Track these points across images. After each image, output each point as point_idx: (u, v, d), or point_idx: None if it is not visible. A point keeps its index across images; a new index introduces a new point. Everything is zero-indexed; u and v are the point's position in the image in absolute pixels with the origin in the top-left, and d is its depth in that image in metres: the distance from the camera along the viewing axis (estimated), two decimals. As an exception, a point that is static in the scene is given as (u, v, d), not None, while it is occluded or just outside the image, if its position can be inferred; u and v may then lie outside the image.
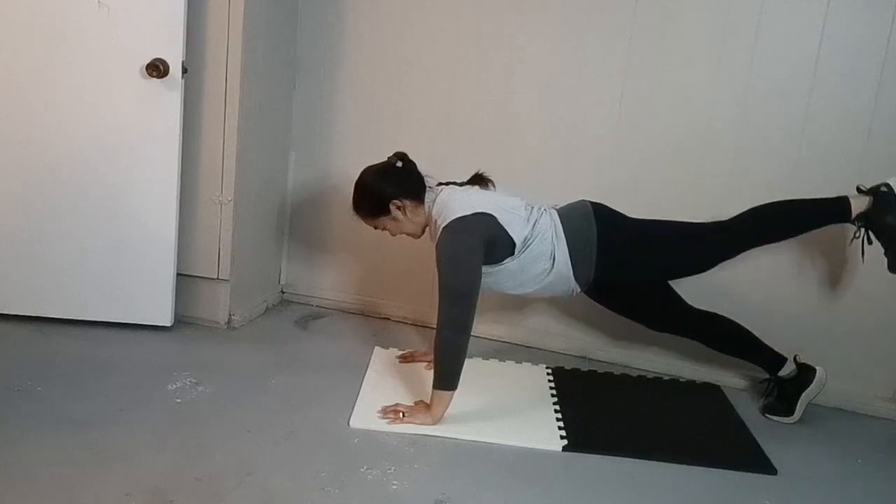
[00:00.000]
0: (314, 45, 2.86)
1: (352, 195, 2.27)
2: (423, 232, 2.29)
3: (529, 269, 2.18)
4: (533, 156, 2.68)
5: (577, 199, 2.31)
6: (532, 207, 2.23)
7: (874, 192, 2.13)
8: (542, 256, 2.17)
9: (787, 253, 2.49)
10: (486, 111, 2.71)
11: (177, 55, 2.38)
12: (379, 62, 2.80)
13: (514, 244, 2.13)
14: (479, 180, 2.29)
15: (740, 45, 2.43)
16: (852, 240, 2.23)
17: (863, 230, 2.18)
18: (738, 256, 2.51)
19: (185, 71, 2.41)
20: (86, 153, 2.45)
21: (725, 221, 2.28)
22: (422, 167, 2.28)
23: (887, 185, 2.12)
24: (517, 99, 2.67)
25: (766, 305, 2.50)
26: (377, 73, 2.81)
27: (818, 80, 2.38)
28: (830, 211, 2.18)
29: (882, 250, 2.16)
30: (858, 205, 2.15)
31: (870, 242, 2.18)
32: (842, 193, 2.23)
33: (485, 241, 2.10)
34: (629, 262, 2.23)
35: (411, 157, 2.27)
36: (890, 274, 2.14)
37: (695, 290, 2.41)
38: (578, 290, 2.24)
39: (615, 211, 2.27)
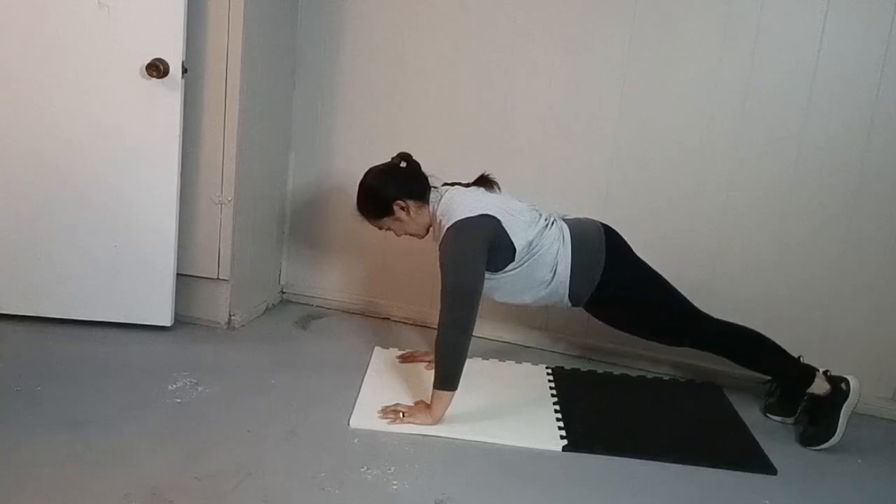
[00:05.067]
0: (314, 45, 2.86)
1: (356, 196, 2.27)
2: (427, 232, 2.29)
3: (531, 277, 2.18)
4: (533, 156, 2.67)
5: (580, 206, 2.32)
6: (541, 214, 2.22)
7: (834, 385, 2.19)
8: (545, 266, 2.17)
9: (786, 253, 2.49)
10: (486, 112, 2.70)
11: (177, 55, 2.38)
12: (379, 62, 2.80)
13: (514, 250, 2.13)
14: (484, 182, 2.28)
15: (740, 46, 2.42)
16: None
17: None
18: (736, 254, 2.53)
19: (185, 71, 2.41)
20: (86, 153, 2.45)
21: (707, 320, 2.27)
22: (423, 167, 2.28)
23: (848, 382, 2.18)
24: (517, 99, 2.66)
25: (766, 306, 2.50)
26: (377, 74, 2.81)
27: (818, 81, 2.38)
28: (796, 374, 2.25)
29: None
30: (819, 385, 2.21)
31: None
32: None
33: (488, 242, 2.09)
34: (622, 299, 2.25)
35: (412, 156, 2.27)
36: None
37: (695, 291, 2.40)
38: (570, 305, 2.25)
39: (625, 243, 2.27)
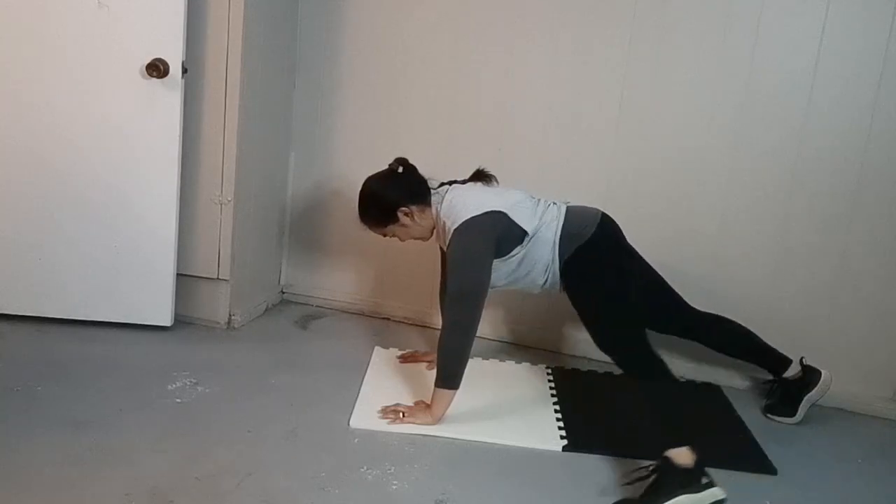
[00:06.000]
0: (314, 45, 2.86)
1: (357, 206, 2.24)
2: (432, 234, 2.28)
3: (535, 259, 2.15)
4: (533, 156, 2.67)
5: (579, 201, 2.30)
6: (539, 200, 2.22)
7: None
8: (546, 245, 2.13)
9: (785, 252, 2.49)
10: (486, 112, 2.71)
11: (177, 55, 2.38)
12: (379, 62, 2.80)
13: (524, 235, 2.12)
14: (481, 177, 2.27)
15: (740, 46, 2.42)
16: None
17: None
18: (736, 254, 2.53)
19: (185, 71, 2.41)
20: (86, 153, 2.45)
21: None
22: (423, 167, 2.27)
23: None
24: (518, 100, 2.66)
25: (767, 306, 2.50)
26: (377, 74, 2.82)
27: (818, 81, 2.38)
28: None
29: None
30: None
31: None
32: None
33: (496, 239, 2.09)
34: (596, 272, 2.13)
35: (412, 157, 2.26)
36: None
37: (695, 291, 2.41)
38: (562, 283, 2.18)
39: (622, 233, 2.23)
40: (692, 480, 1.78)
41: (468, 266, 2.07)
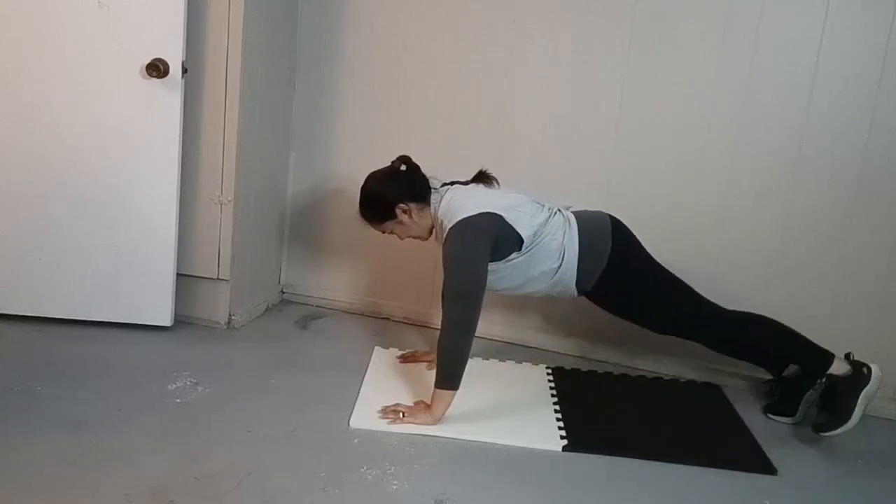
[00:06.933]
0: (314, 45, 2.86)
1: (358, 201, 2.26)
2: (431, 234, 2.29)
3: (537, 267, 2.17)
4: (533, 157, 2.67)
5: (581, 206, 2.31)
6: (543, 205, 2.22)
7: (856, 369, 2.16)
8: (552, 255, 2.16)
9: (786, 252, 2.49)
10: (486, 112, 2.70)
11: (177, 55, 2.38)
12: (379, 62, 2.80)
13: (521, 241, 2.13)
14: (482, 178, 2.28)
15: (740, 46, 2.42)
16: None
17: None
18: (736, 254, 2.53)
19: (185, 71, 2.41)
20: (86, 153, 2.45)
21: (719, 310, 2.26)
22: (423, 167, 2.27)
23: (870, 368, 2.14)
24: (517, 99, 2.66)
25: (766, 306, 2.50)
26: (377, 74, 2.82)
27: (818, 81, 2.38)
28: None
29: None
30: (839, 366, 2.18)
31: (820, 403, 2.21)
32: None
33: (491, 240, 2.09)
34: (629, 286, 2.23)
35: (412, 156, 2.27)
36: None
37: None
38: (576, 294, 2.24)
39: (632, 234, 2.27)
40: (860, 377, 2.08)
41: (464, 265, 2.07)
